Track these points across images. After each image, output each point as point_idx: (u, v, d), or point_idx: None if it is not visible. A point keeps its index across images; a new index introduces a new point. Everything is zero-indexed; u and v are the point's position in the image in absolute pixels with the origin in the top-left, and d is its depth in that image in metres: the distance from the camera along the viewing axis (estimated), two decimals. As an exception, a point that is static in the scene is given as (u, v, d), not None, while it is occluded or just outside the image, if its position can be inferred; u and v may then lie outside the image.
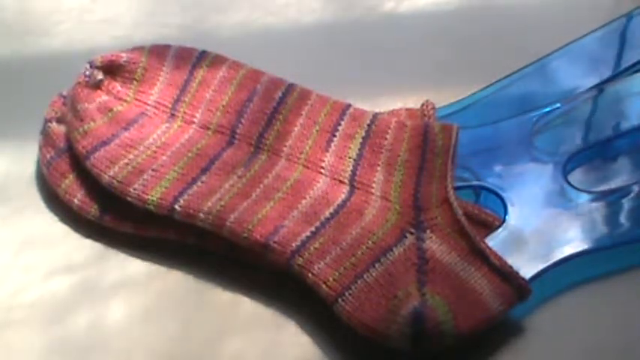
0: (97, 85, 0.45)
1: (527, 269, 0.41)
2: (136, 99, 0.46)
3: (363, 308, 0.39)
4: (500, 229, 0.43)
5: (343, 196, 0.43)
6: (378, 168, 0.44)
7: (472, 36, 0.53)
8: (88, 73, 0.45)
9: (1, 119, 0.49)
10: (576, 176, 0.46)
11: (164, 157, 0.44)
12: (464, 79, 0.50)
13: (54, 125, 0.46)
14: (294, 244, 0.41)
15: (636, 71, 0.49)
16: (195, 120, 0.45)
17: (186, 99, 0.46)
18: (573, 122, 0.47)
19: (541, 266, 0.41)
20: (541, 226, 0.43)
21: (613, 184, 0.46)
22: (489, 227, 0.43)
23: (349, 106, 0.46)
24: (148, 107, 0.46)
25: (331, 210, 0.42)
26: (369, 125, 0.45)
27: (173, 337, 0.41)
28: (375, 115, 0.45)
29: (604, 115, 0.47)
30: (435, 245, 0.41)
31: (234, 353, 0.41)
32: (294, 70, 0.47)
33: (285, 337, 0.41)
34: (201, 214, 0.42)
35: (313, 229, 0.41)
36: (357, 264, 0.40)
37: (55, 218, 0.45)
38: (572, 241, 0.42)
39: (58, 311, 0.41)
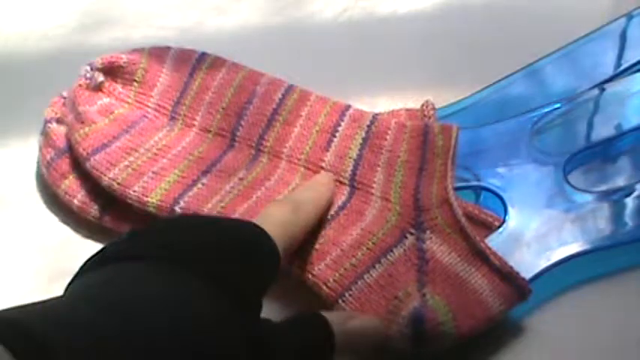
0: (97, 87, 0.45)
1: (527, 269, 0.41)
2: (137, 101, 0.46)
3: (364, 309, 0.39)
4: (500, 230, 0.43)
5: (343, 197, 0.43)
6: (378, 169, 0.44)
7: (472, 36, 0.53)
8: (88, 75, 0.45)
9: (1, 119, 0.50)
10: (576, 176, 0.46)
11: (164, 160, 0.44)
12: (464, 79, 0.50)
13: (54, 126, 0.46)
14: (294, 245, 0.41)
15: (636, 71, 0.49)
16: (195, 123, 0.45)
17: (186, 102, 0.46)
18: (573, 122, 0.47)
19: (541, 266, 0.41)
20: (541, 226, 0.43)
21: (613, 185, 0.46)
22: (489, 227, 0.43)
23: (349, 106, 0.46)
24: (149, 110, 0.46)
25: (331, 211, 0.42)
26: (368, 126, 0.45)
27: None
28: (375, 116, 0.45)
29: (604, 115, 0.47)
30: (435, 246, 0.41)
31: (234, 354, 0.41)
32: (294, 71, 0.47)
33: (285, 338, 0.41)
34: (202, 216, 0.42)
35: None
36: (358, 265, 0.40)
37: (56, 219, 0.45)
38: (572, 242, 0.42)
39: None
